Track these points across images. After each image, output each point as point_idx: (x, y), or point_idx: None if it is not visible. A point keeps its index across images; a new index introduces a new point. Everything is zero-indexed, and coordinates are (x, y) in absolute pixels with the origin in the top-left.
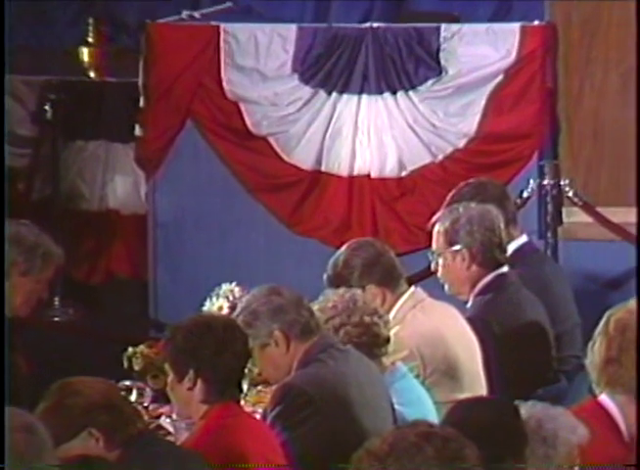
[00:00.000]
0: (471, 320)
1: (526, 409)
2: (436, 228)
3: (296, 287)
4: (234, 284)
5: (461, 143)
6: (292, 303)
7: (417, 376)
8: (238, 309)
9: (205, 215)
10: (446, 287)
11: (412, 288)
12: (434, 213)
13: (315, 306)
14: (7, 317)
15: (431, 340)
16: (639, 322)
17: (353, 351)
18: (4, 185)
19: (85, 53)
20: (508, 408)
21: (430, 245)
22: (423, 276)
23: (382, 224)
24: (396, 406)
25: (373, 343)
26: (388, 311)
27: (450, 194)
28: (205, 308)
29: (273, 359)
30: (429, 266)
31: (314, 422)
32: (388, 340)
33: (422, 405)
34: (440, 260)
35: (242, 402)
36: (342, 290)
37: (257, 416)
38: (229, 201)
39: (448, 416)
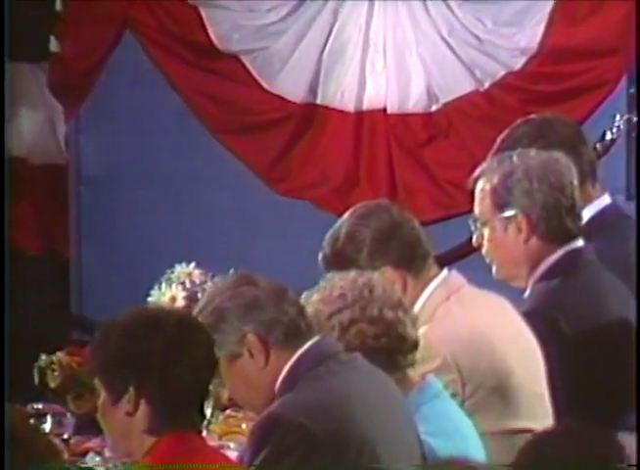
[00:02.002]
0: (530, 316)
1: (627, 444)
2: (480, 186)
3: (278, 272)
4: (192, 265)
5: (517, 63)
6: (271, 295)
7: (453, 395)
8: (198, 306)
9: (149, 168)
10: (494, 269)
11: (444, 271)
12: (476, 165)
13: (314, 296)
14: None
15: (472, 344)
16: (639, 322)
17: (362, 361)
18: (4, 185)
19: None
20: (605, 444)
21: (470, 210)
22: (460, 254)
23: (402, 180)
24: (425, 437)
25: (396, 348)
26: (412, 305)
27: (501, 136)
28: (151, 300)
29: (246, 376)
30: (469, 240)
31: (314, 468)
32: (416, 344)
33: (461, 436)
34: (486, 232)
35: (204, 433)
36: (353, 273)
37: (228, 454)
38: (185, 147)
39: (520, 455)
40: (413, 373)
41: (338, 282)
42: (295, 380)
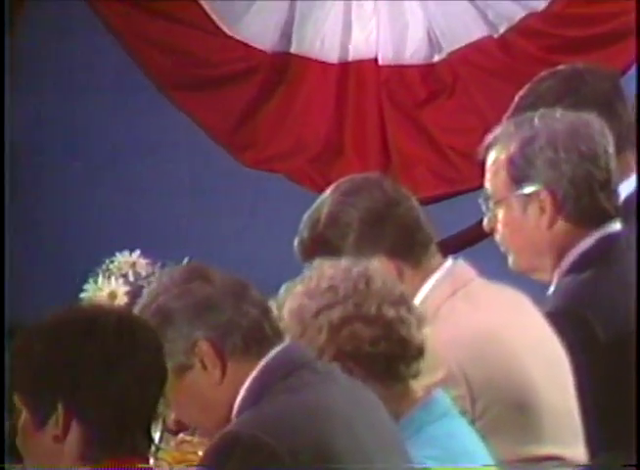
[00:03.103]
0: (555, 317)
1: None
2: (493, 155)
3: (244, 263)
4: (136, 253)
5: (539, 3)
6: (228, 293)
7: (462, 413)
8: (137, 305)
9: (84, 135)
10: (511, 259)
11: (449, 261)
12: (488, 129)
13: (297, 288)
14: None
15: (483, 351)
16: (638, 322)
17: (340, 373)
18: (4, 186)
19: None
20: None
21: (481, 185)
22: (469, 240)
23: (396, 149)
24: (429, 463)
25: (398, 354)
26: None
27: (519, 93)
28: (85, 296)
29: (198, 392)
30: (479, 223)
31: None
32: (422, 350)
33: (471, 463)
34: (501, 213)
35: (152, 462)
36: (345, 261)
37: None
38: (128, 109)
39: None
40: (416, 386)
41: (327, 271)
42: (258, 396)
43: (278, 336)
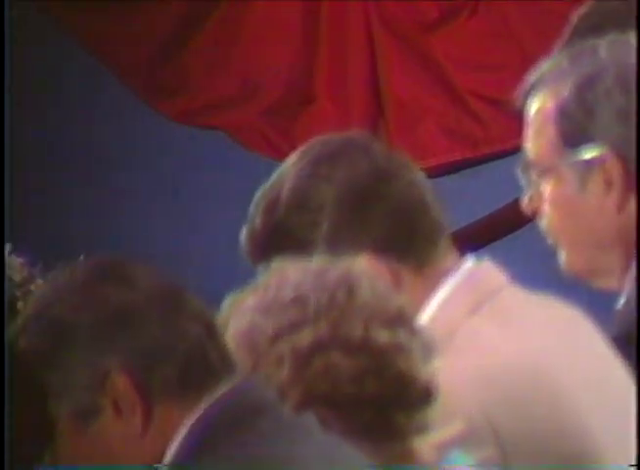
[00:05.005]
0: (624, 343)
1: None
2: (537, 103)
3: (173, 257)
4: (7, 249)
5: None
6: (156, 302)
7: None
8: (18, 320)
9: None
10: (562, 256)
11: (469, 261)
12: (528, 64)
13: (247, 300)
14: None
15: (519, 393)
16: (639, 321)
17: (314, 424)
18: (4, 187)
19: None
20: None
21: (517, 147)
22: (499, 230)
23: (391, 94)
24: None
25: (393, 398)
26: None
27: (578, 11)
28: None
29: (108, 448)
30: (514, 204)
31: None
32: (429, 392)
33: None
34: (548, 187)
35: None
36: (316, 261)
37: None
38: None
39: None
40: (422, 445)
41: (290, 276)
42: (196, 452)
43: (227, 366)
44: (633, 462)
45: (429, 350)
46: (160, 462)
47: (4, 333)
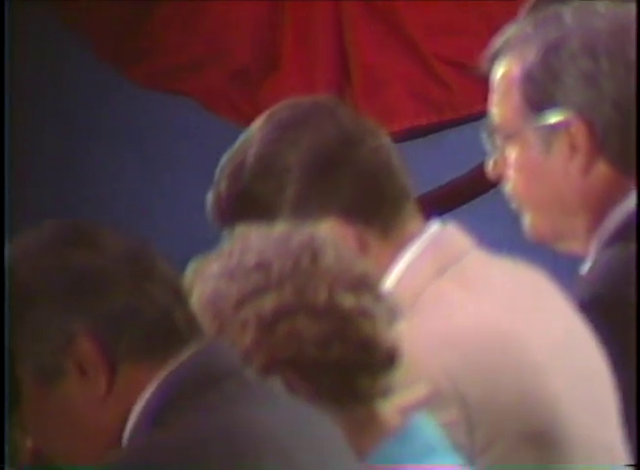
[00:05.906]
0: (591, 308)
1: None
2: (503, 68)
3: (138, 222)
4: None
5: None
6: (123, 265)
7: (455, 448)
8: None
9: None
10: (527, 221)
11: (434, 225)
12: (494, 29)
13: (212, 267)
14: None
15: (484, 357)
16: (638, 321)
17: (279, 388)
18: (4, 191)
19: None
20: None
21: (482, 111)
22: (463, 195)
23: (358, 59)
24: None
25: (358, 362)
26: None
27: None
28: None
29: (73, 409)
30: (479, 168)
31: None
32: (393, 356)
33: None
34: (513, 151)
35: None
36: (281, 226)
37: None
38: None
39: None
40: (387, 408)
41: (254, 241)
42: (161, 415)
43: (194, 331)
44: (632, 462)
45: (393, 314)
46: (123, 424)
47: (4, 333)
